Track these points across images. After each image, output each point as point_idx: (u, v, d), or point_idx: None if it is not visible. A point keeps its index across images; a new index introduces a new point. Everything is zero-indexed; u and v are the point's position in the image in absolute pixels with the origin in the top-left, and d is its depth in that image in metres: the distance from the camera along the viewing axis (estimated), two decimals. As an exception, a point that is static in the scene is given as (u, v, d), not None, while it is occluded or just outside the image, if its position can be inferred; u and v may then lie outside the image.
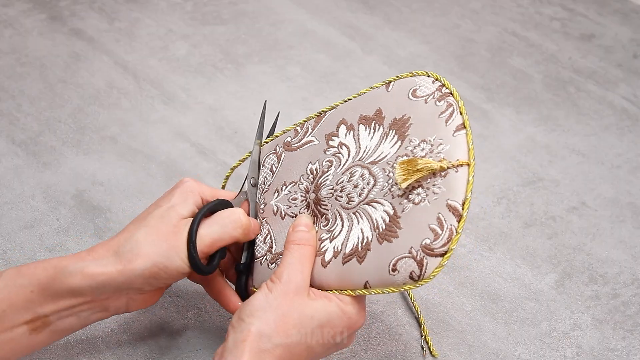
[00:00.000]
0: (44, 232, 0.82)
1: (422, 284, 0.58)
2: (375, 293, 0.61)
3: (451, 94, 0.62)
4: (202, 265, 0.63)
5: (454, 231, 0.58)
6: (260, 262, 0.67)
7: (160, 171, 0.89)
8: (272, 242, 0.67)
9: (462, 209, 0.58)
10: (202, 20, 1.10)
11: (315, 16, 1.12)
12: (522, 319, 0.76)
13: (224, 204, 0.67)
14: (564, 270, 0.81)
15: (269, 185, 0.69)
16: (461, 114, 0.61)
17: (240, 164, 0.75)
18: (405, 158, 0.61)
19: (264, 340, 0.60)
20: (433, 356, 0.72)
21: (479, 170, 0.90)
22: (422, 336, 0.74)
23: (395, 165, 0.62)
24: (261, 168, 0.71)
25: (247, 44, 1.07)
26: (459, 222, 0.58)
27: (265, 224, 0.69)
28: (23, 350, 0.64)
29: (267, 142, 0.72)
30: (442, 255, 0.58)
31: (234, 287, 0.70)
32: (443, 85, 0.63)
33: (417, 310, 0.75)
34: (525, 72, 1.04)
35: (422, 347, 0.73)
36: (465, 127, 0.61)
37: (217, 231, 0.64)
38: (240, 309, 0.62)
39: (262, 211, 0.69)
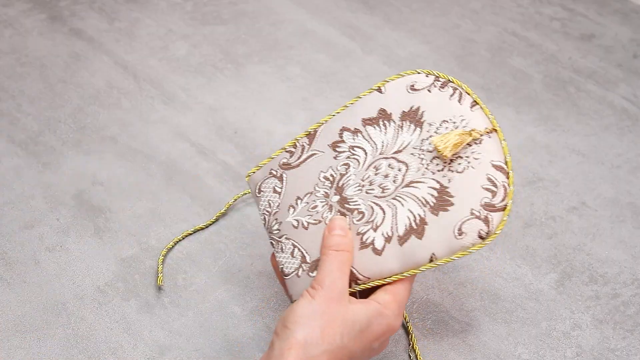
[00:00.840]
0: (44, 232, 0.82)
1: (489, 241, 0.62)
2: (441, 263, 0.63)
3: (450, 80, 0.66)
4: None
5: (507, 186, 0.62)
6: (297, 275, 0.67)
7: (160, 171, 0.89)
8: (302, 254, 0.67)
9: (507, 167, 0.63)
10: (202, 20, 1.10)
11: (315, 16, 1.12)
12: (522, 319, 0.76)
13: None
14: (564, 270, 0.81)
15: (277, 206, 0.70)
16: (469, 94, 0.65)
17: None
18: (433, 138, 0.64)
19: (310, 348, 0.60)
20: None
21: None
22: (409, 345, 0.74)
23: (429, 143, 0.65)
24: (258, 194, 0.72)
25: (247, 44, 1.07)
26: (507, 178, 0.62)
27: (287, 240, 0.68)
28: None
29: (254, 172, 0.73)
30: (503, 209, 0.62)
31: None
32: (438, 76, 0.67)
33: (405, 319, 0.75)
34: (525, 72, 1.04)
35: (410, 357, 0.73)
36: (477, 103, 0.65)
37: None
38: (284, 316, 0.63)
39: (278, 231, 0.69)
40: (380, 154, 0.67)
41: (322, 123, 0.70)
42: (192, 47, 1.06)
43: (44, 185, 0.87)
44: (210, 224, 0.83)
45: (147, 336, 0.74)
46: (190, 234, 0.82)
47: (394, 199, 0.65)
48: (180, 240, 0.82)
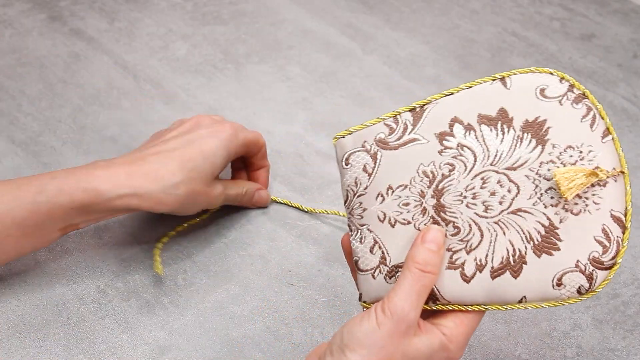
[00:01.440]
0: (44, 232, 0.82)
1: (586, 298, 0.58)
2: (528, 308, 0.59)
3: (585, 96, 0.58)
4: None
5: (621, 243, 0.57)
6: (372, 275, 0.61)
7: (160, 171, 0.89)
8: (383, 253, 0.61)
9: (626, 220, 0.58)
10: (202, 20, 1.10)
11: (315, 16, 1.12)
12: (522, 319, 0.76)
13: None
14: (564, 270, 0.81)
15: (365, 188, 0.62)
16: (603, 118, 0.58)
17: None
18: (554, 165, 0.58)
19: None
20: None
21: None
22: None
23: (549, 170, 0.58)
24: (345, 166, 0.63)
25: (247, 44, 1.07)
26: (623, 233, 0.57)
27: (369, 233, 0.61)
28: (45, 244, 0.75)
29: (343, 136, 0.63)
30: (610, 268, 0.57)
31: None
32: (573, 85, 0.59)
33: None
34: (525, 72, 1.04)
35: None
36: (610, 132, 0.58)
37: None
38: (344, 334, 0.57)
39: (359, 217, 0.62)
40: (491, 164, 0.59)
41: (431, 101, 0.61)
42: (192, 47, 1.06)
43: (44, 185, 0.87)
44: (205, 217, 0.84)
45: (147, 336, 0.74)
46: (197, 221, 0.83)
47: (496, 223, 0.59)
48: (181, 230, 0.82)
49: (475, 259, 0.59)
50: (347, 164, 0.62)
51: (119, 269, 0.79)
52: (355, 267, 0.62)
